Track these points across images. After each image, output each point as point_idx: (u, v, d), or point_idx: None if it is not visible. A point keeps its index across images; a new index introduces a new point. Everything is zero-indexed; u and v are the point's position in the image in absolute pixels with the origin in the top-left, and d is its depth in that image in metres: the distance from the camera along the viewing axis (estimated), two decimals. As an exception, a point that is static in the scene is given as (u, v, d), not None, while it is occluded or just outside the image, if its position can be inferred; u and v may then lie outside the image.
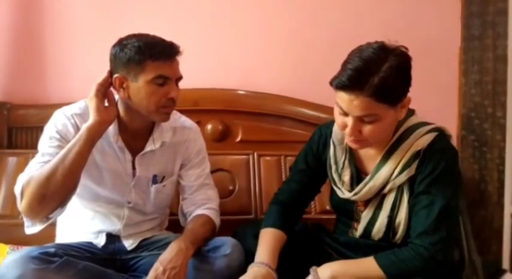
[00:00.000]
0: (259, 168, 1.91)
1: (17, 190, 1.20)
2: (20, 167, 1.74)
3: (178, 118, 1.45)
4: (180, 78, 1.32)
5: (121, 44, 1.27)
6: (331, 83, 1.10)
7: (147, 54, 1.23)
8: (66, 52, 1.95)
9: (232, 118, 2.02)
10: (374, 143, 1.18)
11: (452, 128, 2.26)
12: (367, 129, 1.10)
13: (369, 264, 1.11)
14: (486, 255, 2.05)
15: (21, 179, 1.21)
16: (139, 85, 1.25)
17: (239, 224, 1.73)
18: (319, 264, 1.19)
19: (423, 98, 2.18)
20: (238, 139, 2.03)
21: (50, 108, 1.89)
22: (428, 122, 1.25)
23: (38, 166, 1.21)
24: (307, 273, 1.17)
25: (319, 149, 1.34)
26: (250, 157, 1.93)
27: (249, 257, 1.25)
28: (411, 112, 1.25)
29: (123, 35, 1.94)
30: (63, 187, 1.16)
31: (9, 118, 1.87)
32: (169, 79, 1.26)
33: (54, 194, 1.16)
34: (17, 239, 1.60)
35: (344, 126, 1.13)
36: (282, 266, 1.22)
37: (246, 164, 1.91)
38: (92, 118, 1.22)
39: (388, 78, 1.04)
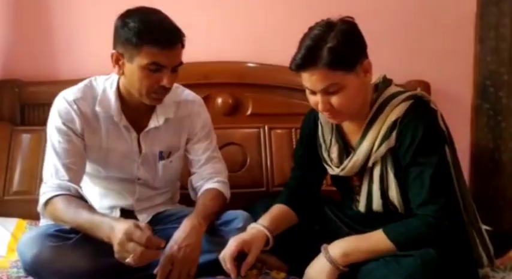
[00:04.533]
0: (270, 141, 1.90)
1: (40, 204, 1.27)
2: (34, 144, 1.78)
3: (181, 92, 1.43)
4: (179, 65, 1.27)
5: (124, 19, 1.23)
6: (290, 67, 1.16)
7: (145, 38, 1.18)
8: (75, 28, 1.93)
9: (243, 91, 2.00)
10: (349, 113, 1.19)
11: (467, 96, 2.22)
12: (335, 100, 1.14)
13: (378, 237, 1.12)
14: (499, 225, 2.05)
15: (44, 195, 1.25)
16: (133, 67, 1.22)
17: (251, 197, 1.77)
18: (331, 240, 1.21)
19: (437, 65, 2.16)
20: (249, 112, 2.01)
21: (60, 85, 1.90)
22: (406, 90, 1.24)
23: (55, 175, 1.26)
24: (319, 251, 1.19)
25: (310, 132, 1.37)
26: (261, 130, 1.92)
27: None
28: (388, 83, 1.26)
29: (135, 4, 1.93)
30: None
31: (20, 96, 1.87)
32: (164, 67, 1.23)
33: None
34: (34, 214, 1.62)
35: (316, 104, 1.18)
36: (294, 247, 1.25)
37: (257, 137, 1.91)
38: (114, 236, 1.10)
39: (335, 46, 1.10)
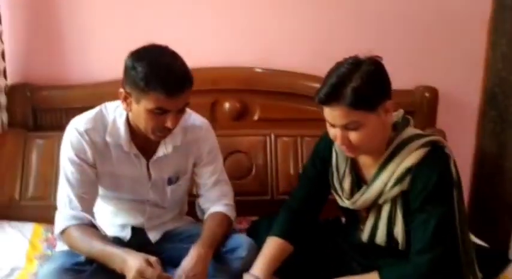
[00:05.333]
0: (276, 149, 1.94)
1: (56, 232, 1.35)
2: (48, 149, 1.83)
3: (188, 117, 1.45)
4: (185, 105, 1.30)
5: (134, 61, 1.25)
6: (314, 99, 1.20)
7: (152, 85, 1.21)
8: (84, 34, 1.94)
9: (250, 96, 2.02)
10: (367, 149, 1.23)
11: (475, 102, 2.22)
12: (353, 136, 1.18)
13: None
14: (495, 233, 2.11)
15: (59, 224, 1.33)
16: (139, 108, 1.26)
17: (256, 204, 1.85)
18: (330, 263, 1.28)
19: (448, 70, 2.16)
20: (256, 117, 2.04)
21: (72, 89, 1.96)
22: (423, 133, 1.27)
23: (69, 205, 1.33)
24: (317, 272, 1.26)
25: (324, 155, 1.39)
26: (267, 138, 1.96)
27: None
28: (407, 122, 1.29)
29: (140, 16, 1.93)
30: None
31: (32, 100, 1.91)
32: (169, 111, 1.26)
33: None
34: (49, 218, 1.71)
35: (335, 137, 1.22)
36: (296, 272, 1.32)
37: (263, 145, 1.95)
38: (127, 272, 1.17)
39: (358, 87, 1.13)
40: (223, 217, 1.44)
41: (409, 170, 1.20)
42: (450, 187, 1.21)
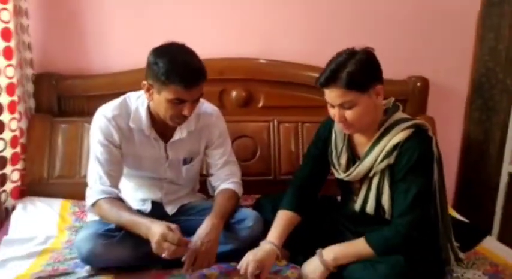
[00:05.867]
0: (279, 134, 2.13)
1: (88, 204, 1.52)
2: (72, 133, 2.02)
3: (201, 105, 1.63)
4: (200, 96, 1.48)
5: (155, 57, 1.42)
6: (316, 83, 1.41)
7: (172, 79, 1.39)
8: (104, 28, 2.11)
9: (255, 85, 2.20)
10: (360, 127, 1.43)
11: (463, 92, 2.39)
12: (348, 114, 1.39)
13: (361, 245, 1.39)
14: (478, 214, 2.30)
15: (91, 198, 1.50)
16: (160, 98, 1.44)
17: (260, 184, 2.04)
18: (327, 234, 1.50)
19: (438, 61, 2.33)
20: (261, 104, 2.22)
21: (92, 79, 2.14)
22: (410, 118, 1.47)
23: (99, 181, 1.50)
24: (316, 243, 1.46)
25: (325, 136, 1.59)
26: (271, 123, 2.14)
27: (267, 225, 1.54)
28: (397, 108, 1.49)
29: (154, 12, 2.11)
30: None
31: (57, 88, 2.08)
32: (186, 101, 1.44)
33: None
34: (76, 195, 1.91)
35: (333, 115, 1.43)
36: (298, 241, 1.52)
37: (267, 130, 2.13)
38: (151, 240, 1.35)
39: (353, 72, 1.34)
40: (232, 193, 1.63)
41: (396, 147, 1.39)
42: (430, 162, 1.40)
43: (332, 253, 1.40)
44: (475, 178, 2.41)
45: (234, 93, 2.19)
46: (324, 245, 1.46)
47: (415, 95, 2.25)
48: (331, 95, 1.38)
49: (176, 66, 1.40)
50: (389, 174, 1.43)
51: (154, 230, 1.34)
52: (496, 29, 2.26)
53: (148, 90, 1.47)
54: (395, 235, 1.38)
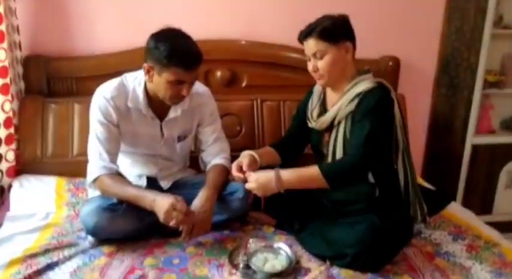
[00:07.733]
0: (262, 112, 2.25)
1: (89, 180, 1.62)
2: (63, 114, 2.08)
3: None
4: (196, 78, 1.60)
5: (156, 41, 1.52)
6: (298, 38, 1.62)
7: (173, 61, 1.49)
8: (89, 11, 2.15)
9: (239, 66, 2.30)
10: (330, 78, 1.60)
11: (431, 70, 2.57)
12: (320, 63, 1.58)
13: (315, 173, 1.53)
14: (444, 182, 2.52)
15: (92, 173, 1.60)
16: (160, 80, 1.54)
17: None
18: (309, 200, 1.68)
19: (409, 41, 2.48)
20: (244, 84, 2.33)
21: (80, 60, 2.20)
22: (378, 79, 1.63)
23: (99, 158, 1.60)
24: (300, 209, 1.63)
25: (306, 100, 1.79)
26: (254, 102, 2.25)
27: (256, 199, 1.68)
28: (367, 71, 1.65)
29: None
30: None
31: (46, 70, 2.12)
32: (185, 82, 1.56)
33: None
34: (69, 172, 2.02)
35: (310, 68, 1.61)
36: (280, 206, 1.67)
37: (251, 108, 2.25)
38: (157, 211, 1.48)
39: (326, 26, 1.56)
40: (223, 167, 1.75)
41: (358, 95, 1.56)
42: (386, 109, 1.55)
43: (288, 173, 1.54)
44: (442, 149, 2.62)
45: (218, 73, 2.29)
46: (308, 215, 1.61)
47: (387, 73, 2.37)
48: (308, 47, 1.59)
49: (177, 49, 1.50)
50: (352, 121, 1.59)
51: (160, 201, 1.47)
52: (461, 10, 2.41)
53: (148, 71, 1.56)
54: (346, 165, 1.55)
